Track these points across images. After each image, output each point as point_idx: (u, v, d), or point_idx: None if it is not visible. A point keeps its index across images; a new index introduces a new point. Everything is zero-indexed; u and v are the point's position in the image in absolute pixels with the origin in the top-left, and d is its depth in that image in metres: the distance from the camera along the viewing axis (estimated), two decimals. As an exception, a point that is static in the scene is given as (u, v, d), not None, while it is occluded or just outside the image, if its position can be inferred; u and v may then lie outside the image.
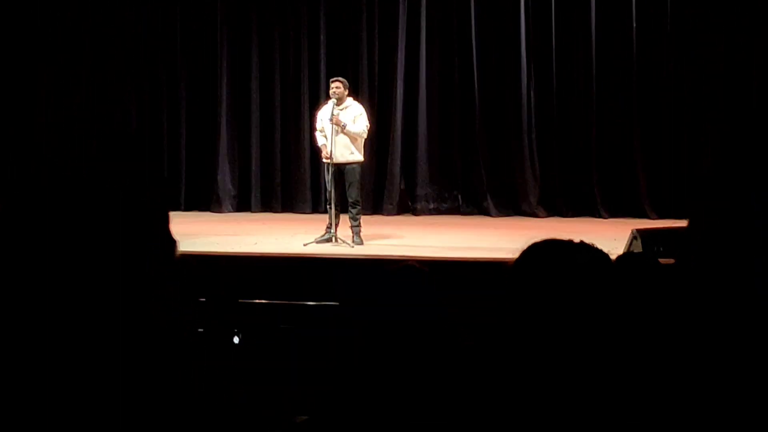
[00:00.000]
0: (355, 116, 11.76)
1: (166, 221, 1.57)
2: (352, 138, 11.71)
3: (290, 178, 15.47)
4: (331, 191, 11.72)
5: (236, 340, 6.29)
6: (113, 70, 15.36)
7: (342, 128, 11.61)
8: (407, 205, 15.35)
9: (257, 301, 8.86)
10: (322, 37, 15.29)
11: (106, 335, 1.45)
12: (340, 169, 11.72)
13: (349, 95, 11.95)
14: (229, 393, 1.57)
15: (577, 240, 2.33)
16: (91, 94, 15.29)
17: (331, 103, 11.79)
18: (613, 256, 2.56)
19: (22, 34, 15.02)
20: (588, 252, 2.28)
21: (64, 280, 1.45)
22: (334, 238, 11.74)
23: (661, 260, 3.14)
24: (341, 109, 11.74)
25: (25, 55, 15.07)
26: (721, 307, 1.89)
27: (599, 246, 2.33)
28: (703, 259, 1.98)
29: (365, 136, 11.86)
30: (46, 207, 1.51)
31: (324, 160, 11.84)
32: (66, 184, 1.53)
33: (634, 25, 14.38)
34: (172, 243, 1.57)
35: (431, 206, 15.20)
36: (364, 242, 11.91)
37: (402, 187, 15.29)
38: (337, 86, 11.81)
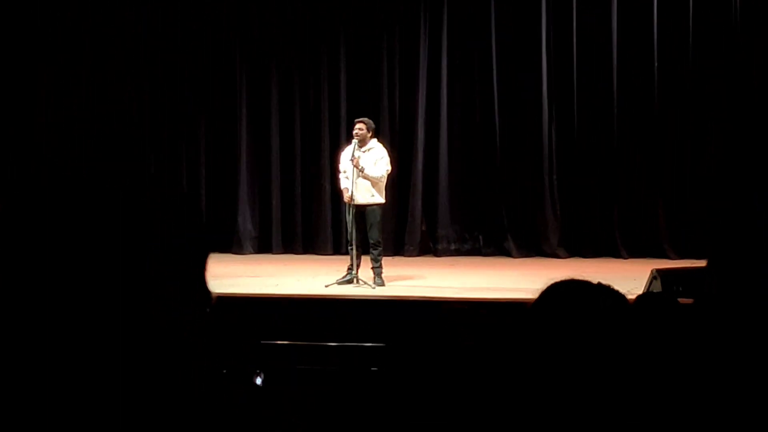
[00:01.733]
0: (376, 159, 11.75)
1: (202, 271, 1.57)
2: (372, 180, 11.72)
3: (311, 219, 15.48)
4: (352, 232, 11.73)
5: (258, 381, 6.29)
6: (120, 88, 15.31)
7: (361, 171, 11.62)
8: (428, 246, 15.33)
9: (279, 342, 8.87)
10: (342, 77, 15.34)
11: (105, 335, 1.45)
12: (360, 210, 11.73)
13: (373, 137, 11.96)
14: (229, 393, 1.57)
15: (595, 281, 2.35)
16: (92, 93, 15.21)
17: (353, 143, 11.81)
18: (633, 296, 2.58)
19: (22, 34, 14.97)
20: (606, 294, 2.29)
21: (63, 280, 1.45)
22: (355, 280, 11.74)
23: (681, 300, 3.16)
24: (363, 151, 11.74)
25: (25, 55, 15.01)
26: (740, 346, 1.91)
27: (619, 286, 2.34)
28: (722, 298, 2.00)
29: (384, 180, 11.86)
30: (45, 207, 1.50)
31: (345, 200, 11.86)
32: (66, 184, 1.52)
33: (656, 64, 14.39)
34: (208, 295, 1.56)
35: (452, 247, 15.18)
36: (386, 283, 11.91)
37: (423, 228, 15.29)
38: (360, 128, 11.81)
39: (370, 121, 12.07)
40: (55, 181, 1.52)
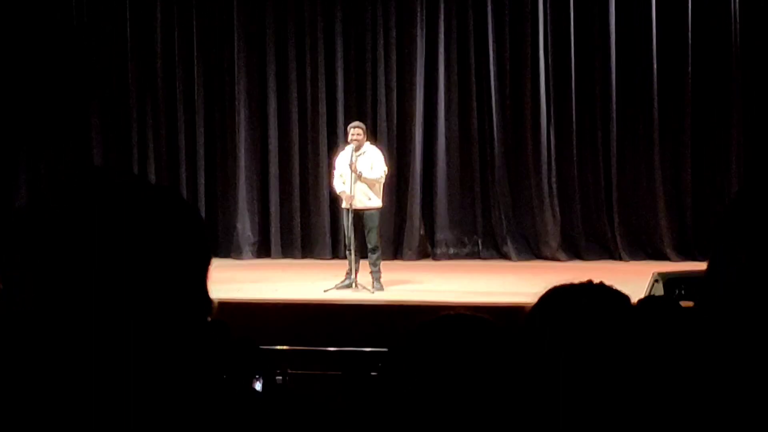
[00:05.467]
0: (372, 162, 11.77)
1: (204, 277, 1.55)
2: (370, 183, 11.72)
3: (309, 224, 15.45)
4: (350, 237, 11.72)
5: (258, 386, 6.26)
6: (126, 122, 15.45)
7: (359, 175, 11.62)
8: (427, 251, 15.30)
9: (278, 347, 8.86)
10: (339, 81, 15.32)
11: (105, 341, 1.43)
12: (358, 214, 11.73)
13: (367, 140, 11.98)
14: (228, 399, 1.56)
15: (596, 281, 2.32)
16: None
17: (349, 148, 11.81)
18: (634, 300, 2.56)
19: None
20: (607, 295, 2.27)
21: (63, 282, 1.43)
22: (354, 284, 11.73)
23: (683, 303, 3.14)
24: (359, 155, 11.75)
25: None
26: (743, 351, 1.88)
27: (620, 290, 2.32)
28: (725, 302, 1.97)
29: (383, 181, 11.88)
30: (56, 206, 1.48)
31: (344, 206, 11.85)
32: (75, 188, 1.51)
33: (655, 65, 14.36)
34: (209, 303, 1.55)
35: (451, 251, 15.14)
36: (385, 288, 11.89)
37: (422, 232, 15.26)
38: (358, 133, 11.81)
39: (363, 125, 12.11)
40: (67, 183, 1.51)
